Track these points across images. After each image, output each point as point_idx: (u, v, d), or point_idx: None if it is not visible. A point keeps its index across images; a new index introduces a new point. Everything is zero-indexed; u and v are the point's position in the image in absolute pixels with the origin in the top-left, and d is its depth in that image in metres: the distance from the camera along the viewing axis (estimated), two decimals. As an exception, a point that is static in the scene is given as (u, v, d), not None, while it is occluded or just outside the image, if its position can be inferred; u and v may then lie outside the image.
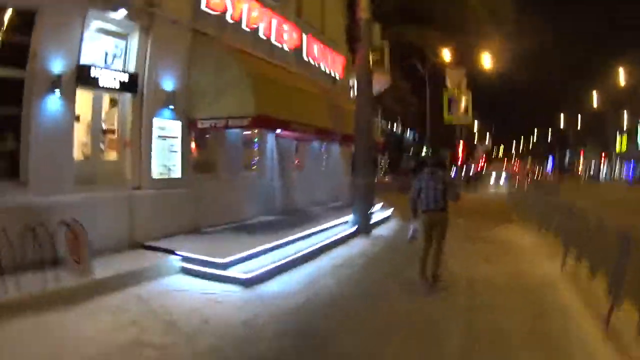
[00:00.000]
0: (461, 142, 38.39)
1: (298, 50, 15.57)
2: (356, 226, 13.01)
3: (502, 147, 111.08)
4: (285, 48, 14.54)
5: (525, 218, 16.65)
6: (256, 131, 14.19)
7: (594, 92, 63.58)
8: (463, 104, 18.64)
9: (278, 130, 12.69)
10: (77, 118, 8.94)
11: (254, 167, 14.41)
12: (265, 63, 12.23)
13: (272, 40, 13.91)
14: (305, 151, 17.23)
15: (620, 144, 58.93)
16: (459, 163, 43.95)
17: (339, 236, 12.06)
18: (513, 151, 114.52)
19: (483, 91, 41.15)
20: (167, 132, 10.48)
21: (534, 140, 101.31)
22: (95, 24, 9.05)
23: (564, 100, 71.19)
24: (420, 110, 36.05)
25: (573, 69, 65.03)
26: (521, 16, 35.21)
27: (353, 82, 20.90)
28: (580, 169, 73.98)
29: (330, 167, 19.03)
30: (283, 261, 9.08)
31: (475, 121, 63.76)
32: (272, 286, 8.03)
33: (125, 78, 9.46)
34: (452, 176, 37.62)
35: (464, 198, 24.12)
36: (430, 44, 30.95)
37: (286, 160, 15.25)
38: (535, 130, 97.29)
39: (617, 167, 61.72)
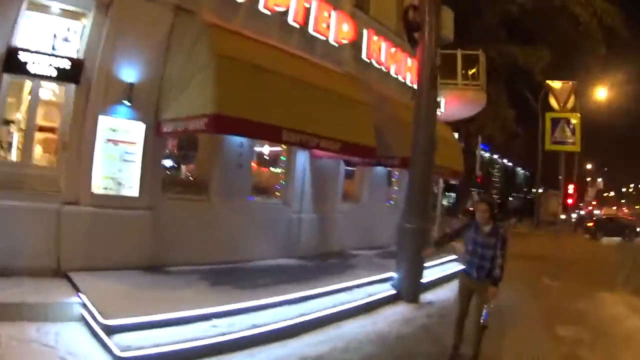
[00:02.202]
0: (572, 184, 32.71)
1: (355, 47, 12.14)
2: (396, 288, 9.10)
3: (612, 192, 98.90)
4: (332, 42, 11.15)
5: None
6: (283, 145, 10.91)
7: None
8: (570, 127, 13.68)
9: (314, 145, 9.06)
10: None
11: (276, 194, 11.08)
12: (269, 48, 8.71)
13: (310, 30, 10.60)
14: (364, 178, 13.59)
15: None
16: (570, 205, 37.68)
17: (364, 301, 8.27)
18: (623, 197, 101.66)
19: (596, 128, 35.45)
20: (120, 136, 7.80)
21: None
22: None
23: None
24: (528, 143, 31.00)
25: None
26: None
27: (440, 98, 17.20)
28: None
29: (401, 200, 15.02)
30: (203, 342, 5.57)
31: (588, 165, 56.61)
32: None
33: (64, 64, 7.38)
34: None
35: (566, 246, 18.83)
36: (539, 67, 26.41)
37: (326, 187, 11.71)
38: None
39: None
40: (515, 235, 32.08)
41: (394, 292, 9.02)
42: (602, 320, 9.02)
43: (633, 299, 11.27)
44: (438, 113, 17.15)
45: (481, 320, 5.55)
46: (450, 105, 17.54)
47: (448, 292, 9.70)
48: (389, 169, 14.28)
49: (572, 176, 34.49)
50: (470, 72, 18.14)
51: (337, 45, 11.37)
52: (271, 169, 11.38)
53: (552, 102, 13.71)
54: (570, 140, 13.17)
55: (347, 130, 8.88)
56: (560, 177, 12.81)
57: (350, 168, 13.04)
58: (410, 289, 9.00)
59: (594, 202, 66.36)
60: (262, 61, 7.89)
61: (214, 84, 6.84)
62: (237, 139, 9.61)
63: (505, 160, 55.69)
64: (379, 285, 9.19)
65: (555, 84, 13.74)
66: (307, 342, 6.38)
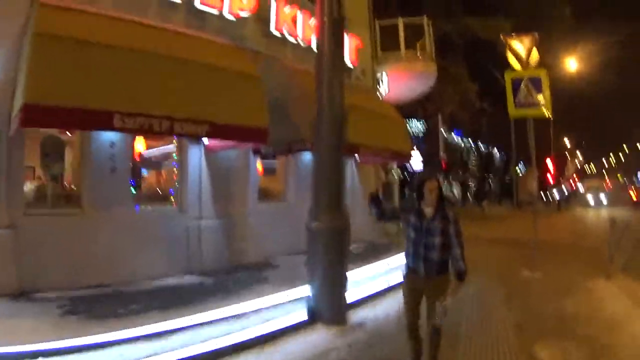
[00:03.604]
0: (550, 159, 30.88)
1: (262, 20, 10.07)
2: (311, 307, 6.92)
3: (591, 165, 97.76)
4: (227, 15, 9.11)
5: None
6: (174, 143, 8.91)
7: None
8: (535, 86, 11.44)
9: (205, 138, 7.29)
10: None
11: (171, 199, 8.99)
12: (126, 25, 6.78)
13: (196, 3, 8.61)
14: (290, 173, 11.50)
15: None
16: (549, 182, 35.95)
17: (259, 330, 6.16)
18: (603, 169, 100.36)
19: (569, 101, 33.82)
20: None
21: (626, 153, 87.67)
22: None
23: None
24: (498, 121, 29.11)
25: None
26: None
27: (382, 74, 15.14)
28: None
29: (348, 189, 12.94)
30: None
31: (566, 140, 55.16)
32: None
33: None
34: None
35: (551, 228, 16.41)
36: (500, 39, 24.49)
37: (232, 186, 9.57)
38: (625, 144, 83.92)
39: None
40: (494, 218, 30.44)
41: (311, 313, 6.87)
42: (600, 325, 6.83)
43: (636, 286, 9.01)
44: (382, 93, 15.18)
45: (438, 321, 4.60)
46: (397, 81, 15.35)
47: (393, 305, 7.59)
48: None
49: (549, 151, 32.76)
50: (418, 45, 16.00)
51: (234, 19, 9.31)
52: (162, 170, 9.31)
53: (512, 60, 11.63)
54: (537, 102, 10.98)
55: (223, 109, 6.85)
56: (532, 151, 11.48)
57: (270, 160, 10.93)
58: (331, 308, 6.83)
59: (575, 177, 65.06)
60: (101, 38, 6.37)
61: (28, 67, 5.81)
62: (106, 139, 7.91)
63: (481, 145, 53.97)
64: (293, 304, 7.07)
65: (513, 39, 11.81)
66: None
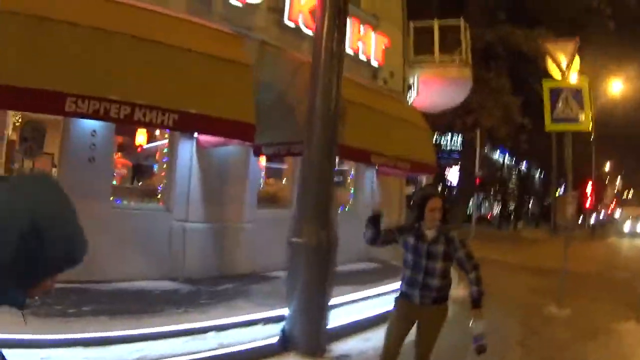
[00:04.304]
0: (590, 182, 29.10)
1: (275, 9, 9.22)
2: (287, 333, 5.92)
3: (631, 191, 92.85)
4: (233, 1, 8.30)
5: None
6: (166, 136, 8.15)
7: None
8: (576, 98, 9.97)
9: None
10: None
11: (157, 197, 8.18)
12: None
13: None
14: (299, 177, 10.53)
15: None
16: (587, 207, 33.98)
17: (223, 351, 5.31)
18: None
19: (610, 125, 31.76)
20: None
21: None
22: None
23: None
24: (535, 138, 27.45)
25: None
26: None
27: (413, 79, 14.07)
28: None
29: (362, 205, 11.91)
30: None
31: (606, 165, 52.32)
32: None
33: None
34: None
35: (583, 255, 14.84)
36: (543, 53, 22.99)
37: (227, 187, 8.68)
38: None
39: None
40: (528, 242, 28.75)
41: (283, 338, 5.89)
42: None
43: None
44: (411, 96, 14.09)
45: (473, 346, 4.08)
46: (428, 87, 14.13)
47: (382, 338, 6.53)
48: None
49: (590, 174, 30.97)
50: (457, 51, 14.82)
51: (241, 5, 8.48)
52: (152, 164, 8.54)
53: (552, 68, 10.26)
54: (577, 117, 9.65)
55: (199, 98, 5.97)
56: (568, 170, 10.31)
57: (276, 166, 10.03)
58: (307, 336, 5.83)
59: (612, 204, 61.91)
60: (58, 14, 5.66)
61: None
62: (87, 126, 7.18)
63: (523, 165, 51.95)
64: (270, 326, 6.10)
65: (554, 44, 10.42)
66: None
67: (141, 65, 5.93)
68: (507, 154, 50.84)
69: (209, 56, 6.59)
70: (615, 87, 28.20)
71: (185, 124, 6.10)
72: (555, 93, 10.27)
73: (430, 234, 4.14)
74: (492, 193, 56.01)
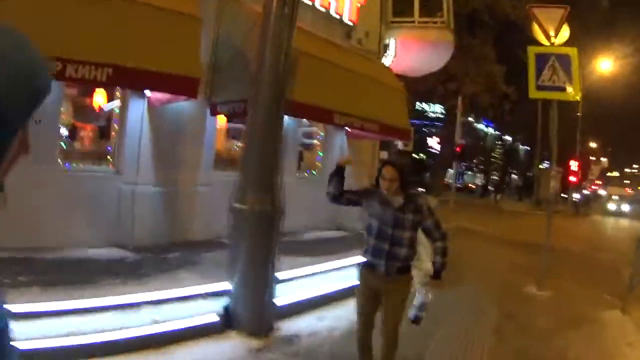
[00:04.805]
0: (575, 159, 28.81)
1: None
2: (230, 309, 5.45)
3: (615, 172, 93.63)
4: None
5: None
6: (118, 95, 7.53)
7: None
8: (563, 65, 9.45)
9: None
10: None
11: (108, 158, 7.61)
12: None
13: None
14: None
15: None
16: (573, 183, 33.84)
17: (160, 328, 4.87)
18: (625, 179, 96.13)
19: (598, 102, 31.44)
20: None
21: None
22: None
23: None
24: (520, 109, 27.07)
25: None
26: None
27: (390, 41, 13.42)
28: None
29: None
30: None
31: (592, 143, 52.31)
32: None
33: None
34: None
35: (566, 233, 14.62)
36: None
37: (180, 149, 8.10)
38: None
39: None
40: (510, 215, 28.61)
41: (226, 315, 5.43)
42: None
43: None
44: (388, 58, 13.44)
45: (413, 314, 4.57)
46: (407, 49, 13.42)
47: (343, 316, 6.09)
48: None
49: (575, 151, 30.69)
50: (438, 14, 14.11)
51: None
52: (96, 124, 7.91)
53: (538, 34, 9.66)
54: (564, 85, 9.10)
55: (136, 51, 5.38)
56: (553, 142, 9.92)
57: (239, 127, 9.41)
58: (251, 314, 5.37)
59: (598, 182, 62.34)
60: None
61: None
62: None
63: (507, 137, 51.70)
64: (211, 301, 5.61)
65: (541, 10, 9.85)
66: None
67: (72, 18, 5.28)
68: (491, 126, 50.62)
69: (150, 7, 5.92)
70: (605, 66, 27.72)
71: (120, 79, 5.50)
72: (542, 60, 9.71)
73: (397, 201, 3.99)
74: (475, 163, 55.98)
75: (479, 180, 60.33)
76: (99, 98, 8.59)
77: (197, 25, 6.30)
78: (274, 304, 5.49)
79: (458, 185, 36.01)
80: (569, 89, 9.89)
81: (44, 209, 6.54)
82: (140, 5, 5.82)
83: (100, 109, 8.69)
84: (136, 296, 5.18)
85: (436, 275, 4.05)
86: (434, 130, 44.00)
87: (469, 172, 62.57)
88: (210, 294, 5.56)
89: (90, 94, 8.50)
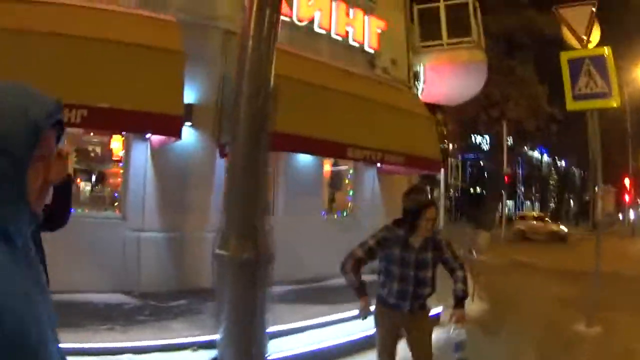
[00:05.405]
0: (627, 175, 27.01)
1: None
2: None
3: None
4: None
5: None
6: (121, 137, 7.38)
7: None
8: (599, 69, 8.52)
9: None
10: None
11: (115, 205, 7.45)
12: None
13: None
14: (279, 178, 9.46)
15: None
16: (627, 202, 31.75)
17: None
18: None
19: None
20: None
21: None
22: None
23: None
24: (571, 131, 25.66)
25: None
26: None
27: (420, 67, 12.92)
28: None
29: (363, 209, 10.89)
30: None
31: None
32: None
33: None
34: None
35: (621, 255, 13.34)
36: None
37: (188, 192, 7.77)
38: None
39: None
40: (564, 242, 26.87)
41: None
42: None
43: None
44: (418, 88, 12.91)
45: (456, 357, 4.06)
46: (438, 73, 12.76)
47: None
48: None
49: (627, 169, 28.82)
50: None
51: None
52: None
53: (569, 37, 8.93)
54: (603, 91, 8.23)
55: (112, 90, 5.11)
56: (596, 157, 8.97)
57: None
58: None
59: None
60: None
61: None
62: None
63: (563, 162, 49.70)
64: (201, 352, 5.17)
65: (568, 10, 9.01)
66: None
67: (44, 59, 5.11)
68: (545, 152, 48.82)
69: (127, 44, 5.71)
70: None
71: (97, 121, 5.25)
72: (576, 65, 8.88)
73: (417, 242, 3.97)
74: (533, 192, 53.92)
75: (536, 210, 58.14)
76: (116, 144, 8.43)
77: (178, 60, 6.03)
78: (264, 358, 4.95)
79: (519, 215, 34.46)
80: (609, 93, 9.00)
81: (50, 254, 6.35)
82: (115, 44, 5.61)
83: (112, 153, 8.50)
84: (116, 343, 4.86)
85: (459, 303, 4.02)
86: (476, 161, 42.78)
87: (528, 203, 60.28)
88: (201, 345, 5.15)
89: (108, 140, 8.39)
